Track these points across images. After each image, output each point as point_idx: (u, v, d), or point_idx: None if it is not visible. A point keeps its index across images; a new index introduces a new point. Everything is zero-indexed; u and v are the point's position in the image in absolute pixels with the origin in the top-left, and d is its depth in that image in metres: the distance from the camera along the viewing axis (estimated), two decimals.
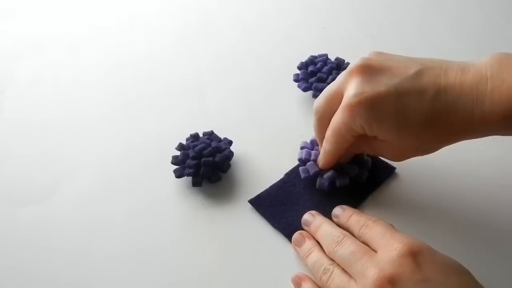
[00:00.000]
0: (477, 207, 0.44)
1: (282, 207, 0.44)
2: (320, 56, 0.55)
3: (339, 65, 0.54)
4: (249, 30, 0.65)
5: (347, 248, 0.36)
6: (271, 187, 0.45)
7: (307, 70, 0.54)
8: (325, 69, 0.53)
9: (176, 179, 0.46)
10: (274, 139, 0.50)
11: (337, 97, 0.40)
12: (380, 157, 0.47)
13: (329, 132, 0.41)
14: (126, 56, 0.63)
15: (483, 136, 0.37)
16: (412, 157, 0.41)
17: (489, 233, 0.42)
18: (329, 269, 0.36)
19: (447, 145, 0.39)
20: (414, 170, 0.46)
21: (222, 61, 0.61)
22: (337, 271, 0.35)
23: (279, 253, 0.41)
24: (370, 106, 0.37)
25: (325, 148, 0.42)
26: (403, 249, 0.33)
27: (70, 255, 0.42)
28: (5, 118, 0.55)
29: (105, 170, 0.49)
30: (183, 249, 0.42)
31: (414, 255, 0.33)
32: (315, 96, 0.53)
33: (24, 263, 0.42)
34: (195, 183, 0.45)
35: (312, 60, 0.55)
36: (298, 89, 0.54)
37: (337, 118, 0.39)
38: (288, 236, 0.42)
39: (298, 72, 0.55)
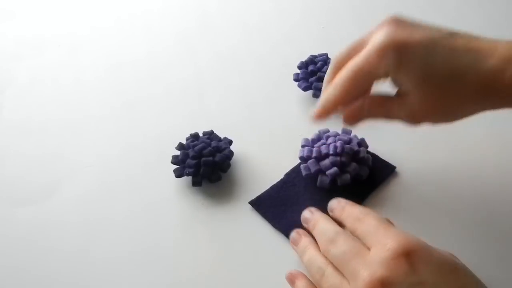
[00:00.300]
0: (477, 205, 0.44)
1: (283, 207, 0.44)
2: (320, 55, 0.55)
3: None
4: (249, 30, 0.65)
5: (339, 247, 0.35)
6: (272, 188, 0.45)
7: (307, 69, 0.54)
8: (325, 68, 0.53)
9: (176, 179, 0.46)
10: (274, 138, 0.50)
11: (361, 46, 0.39)
12: (380, 157, 0.47)
13: (342, 75, 0.39)
14: (126, 56, 0.63)
15: (508, 107, 0.37)
16: (429, 121, 0.39)
17: (490, 232, 0.41)
18: (322, 268, 0.35)
19: (469, 111, 0.38)
20: (414, 169, 0.46)
21: (222, 61, 0.61)
22: (330, 270, 0.34)
23: (279, 253, 0.41)
24: (402, 50, 0.36)
25: (328, 93, 0.39)
26: (396, 249, 0.31)
27: (70, 255, 0.42)
28: (5, 118, 0.56)
29: (105, 170, 0.49)
30: (183, 249, 0.42)
31: (408, 255, 0.31)
32: (315, 95, 0.53)
33: (24, 263, 0.42)
34: (195, 183, 0.45)
35: (312, 60, 0.55)
36: (298, 88, 0.54)
37: (358, 60, 0.38)
38: (289, 237, 0.42)
39: (298, 71, 0.55)
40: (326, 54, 0.56)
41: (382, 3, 0.68)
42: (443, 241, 0.37)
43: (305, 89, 0.53)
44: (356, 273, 0.32)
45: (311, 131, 0.45)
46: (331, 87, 0.39)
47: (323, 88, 0.42)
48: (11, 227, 0.45)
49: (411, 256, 0.31)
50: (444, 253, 0.33)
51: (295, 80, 0.54)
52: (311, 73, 0.54)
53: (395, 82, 0.38)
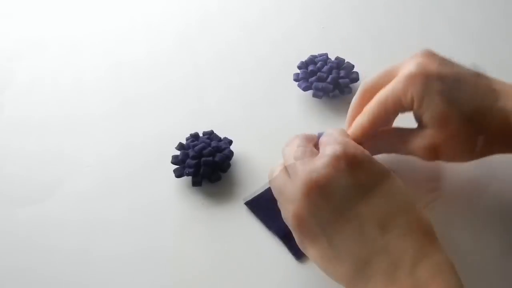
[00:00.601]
0: (476, 206, 0.44)
1: (276, 208, 0.44)
2: (320, 55, 0.55)
3: (339, 65, 0.54)
4: (249, 30, 0.65)
5: (290, 148, 0.38)
6: (265, 191, 0.45)
7: (307, 69, 0.54)
8: (325, 68, 0.53)
9: (176, 178, 0.46)
10: (274, 138, 0.50)
11: (391, 75, 0.39)
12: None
13: (371, 103, 0.40)
14: (126, 56, 0.63)
15: None
16: (445, 157, 0.39)
17: (490, 231, 0.42)
18: (274, 169, 0.39)
19: (486, 152, 0.39)
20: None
21: (222, 61, 0.61)
22: (278, 171, 0.38)
23: (279, 253, 0.41)
24: (429, 81, 0.37)
25: (357, 122, 0.41)
26: (338, 152, 0.34)
27: (70, 255, 0.42)
28: (5, 117, 0.55)
29: (105, 169, 0.49)
30: (183, 248, 0.42)
31: (349, 158, 0.33)
32: (315, 95, 0.53)
33: (24, 263, 0.42)
34: (195, 183, 0.45)
35: (312, 60, 0.55)
36: (298, 88, 0.53)
37: (387, 88, 0.39)
38: (282, 238, 0.42)
39: (298, 71, 0.55)
40: (326, 54, 0.56)
41: (382, 3, 0.68)
42: (442, 243, 0.37)
43: (305, 89, 0.53)
44: (298, 172, 0.35)
45: (311, 131, 0.45)
46: (359, 117, 0.41)
47: (349, 113, 0.43)
48: (11, 226, 0.45)
49: (352, 160, 0.34)
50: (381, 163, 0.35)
51: (295, 80, 0.54)
52: (311, 73, 0.54)
53: (418, 112, 0.38)
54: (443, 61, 0.38)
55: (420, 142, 0.39)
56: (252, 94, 0.56)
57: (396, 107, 0.39)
